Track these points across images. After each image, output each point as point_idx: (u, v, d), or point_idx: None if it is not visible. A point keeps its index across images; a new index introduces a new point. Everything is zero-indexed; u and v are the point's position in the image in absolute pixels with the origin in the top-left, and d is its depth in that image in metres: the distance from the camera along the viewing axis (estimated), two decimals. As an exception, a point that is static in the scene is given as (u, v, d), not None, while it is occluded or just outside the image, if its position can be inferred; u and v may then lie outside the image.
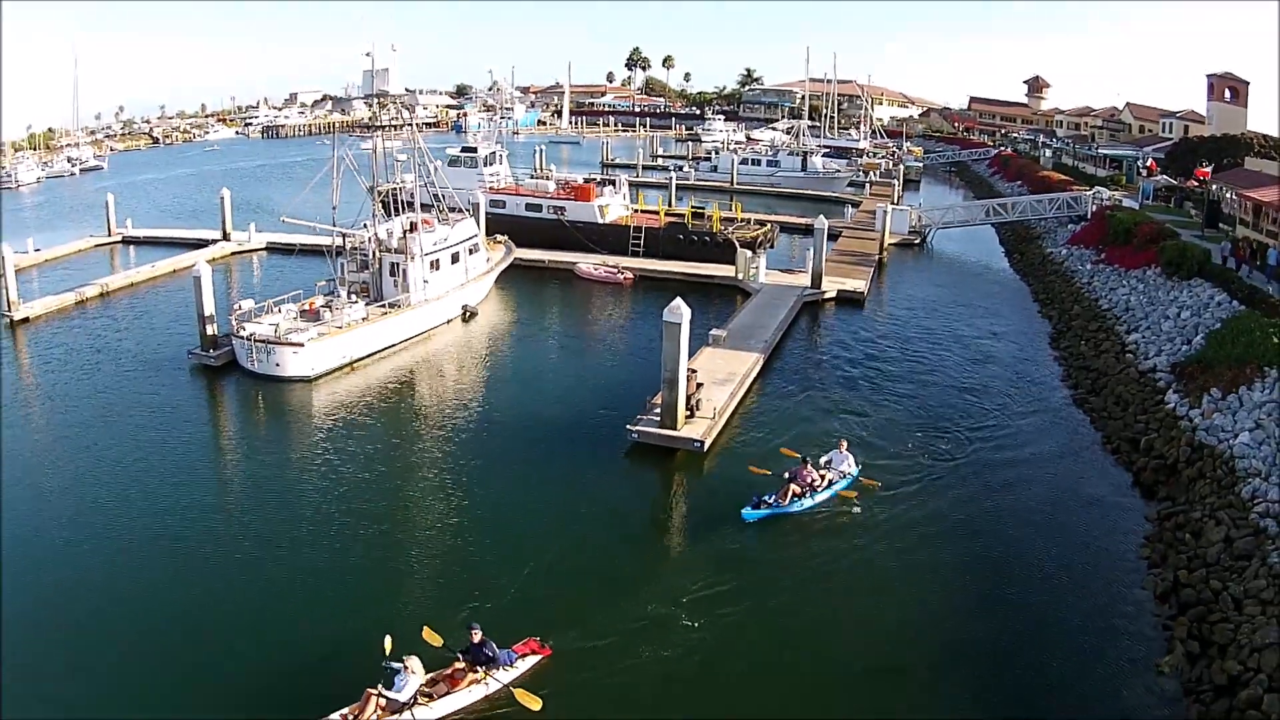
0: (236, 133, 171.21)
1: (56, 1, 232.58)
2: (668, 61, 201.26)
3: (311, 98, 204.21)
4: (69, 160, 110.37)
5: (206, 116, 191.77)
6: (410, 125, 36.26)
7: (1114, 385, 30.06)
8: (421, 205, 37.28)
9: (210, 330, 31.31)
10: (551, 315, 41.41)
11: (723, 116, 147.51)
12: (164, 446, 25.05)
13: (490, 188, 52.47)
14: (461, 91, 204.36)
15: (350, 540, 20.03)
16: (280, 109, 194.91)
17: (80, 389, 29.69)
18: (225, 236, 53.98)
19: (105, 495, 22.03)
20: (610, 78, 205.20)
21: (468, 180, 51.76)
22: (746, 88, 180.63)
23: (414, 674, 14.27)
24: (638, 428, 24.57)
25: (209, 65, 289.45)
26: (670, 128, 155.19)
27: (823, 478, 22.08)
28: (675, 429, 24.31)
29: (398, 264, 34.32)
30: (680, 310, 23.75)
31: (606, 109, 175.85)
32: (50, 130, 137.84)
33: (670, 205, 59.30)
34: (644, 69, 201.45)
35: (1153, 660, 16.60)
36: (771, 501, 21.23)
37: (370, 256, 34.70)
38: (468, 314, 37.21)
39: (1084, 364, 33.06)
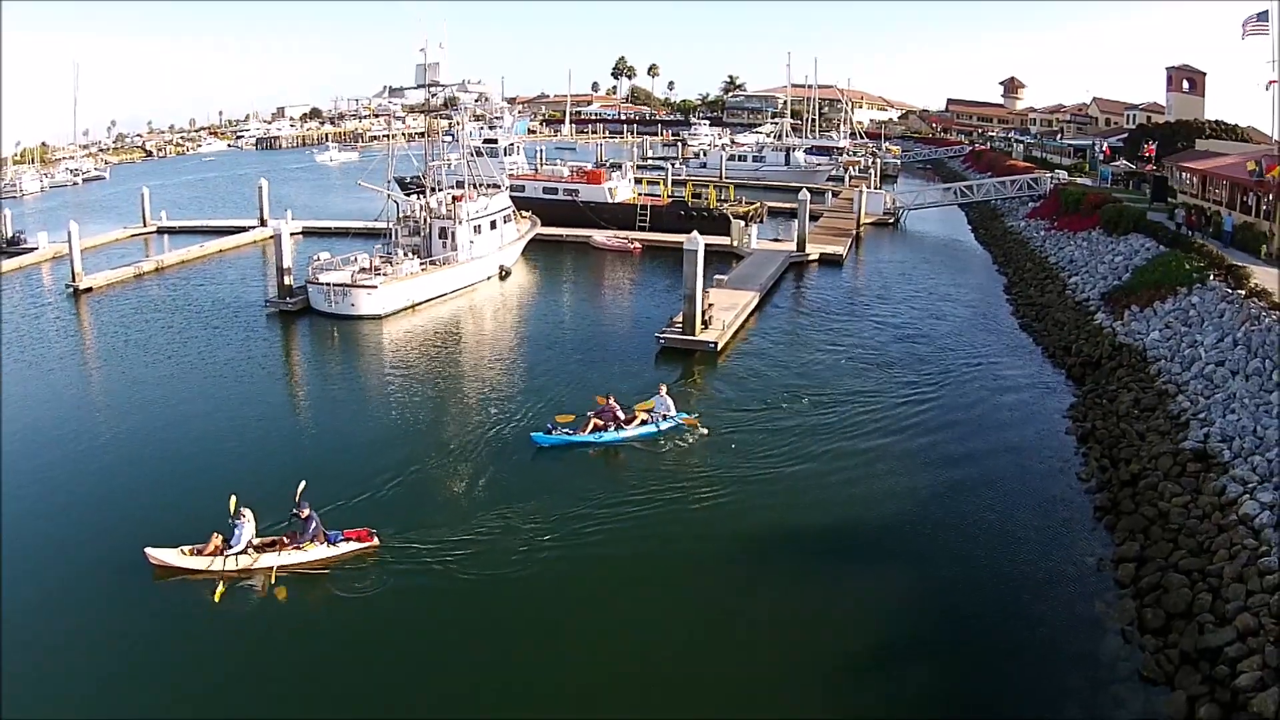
0: (229, 145, 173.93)
1: (35, 2, 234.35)
2: (653, 70, 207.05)
3: (299, 111, 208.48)
4: (70, 171, 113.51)
5: (197, 130, 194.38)
6: (461, 111, 42.09)
7: (1054, 313, 35.95)
8: (458, 183, 43.13)
9: (287, 280, 36.50)
10: (574, 275, 47.51)
11: (708, 122, 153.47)
12: (258, 366, 30.31)
13: (510, 174, 58.16)
14: (449, 104, 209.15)
15: (384, 431, 24.08)
16: (269, 122, 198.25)
17: (169, 329, 34.64)
18: (262, 222, 58.82)
19: (210, 399, 26.96)
20: (595, 87, 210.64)
21: (489, 168, 57.40)
22: (730, 94, 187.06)
23: (248, 527, 17.07)
24: (664, 334, 30.42)
25: (193, 79, 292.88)
26: (657, 134, 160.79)
27: (633, 416, 23.38)
28: (694, 334, 30.26)
29: (446, 228, 40.02)
30: (697, 240, 29.74)
31: (595, 117, 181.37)
32: (44, 145, 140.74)
33: (669, 189, 65.18)
34: (629, 77, 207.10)
35: (1074, 472, 22.20)
36: (567, 431, 22.75)
37: (421, 223, 40.21)
38: (504, 273, 43.18)
39: (1030, 301, 39.02)
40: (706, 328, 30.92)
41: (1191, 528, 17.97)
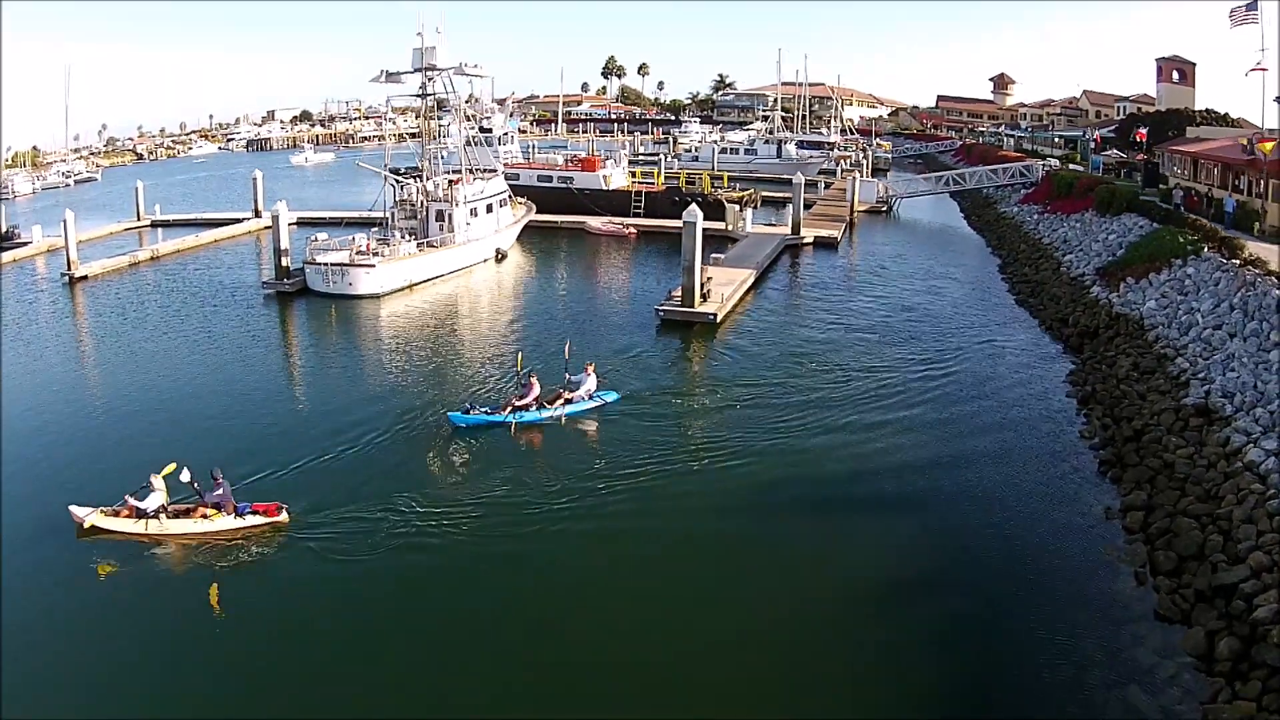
0: (219, 148, 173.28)
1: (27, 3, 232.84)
2: (643, 69, 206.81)
3: (290, 114, 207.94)
4: (62, 174, 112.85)
5: (188, 133, 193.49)
6: (458, 96, 42.46)
7: (1050, 289, 36.18)
8: (454, 170, 43.15)
9: (285, 262, 36.41)
10: (570, 259, 47.61)
11: (698, 120, 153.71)
12: (255, 342, 30.43)
13: (505, 163, 58.17)
14: (440, 104, 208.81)
15: (357, 405, 23.65)
16: (260, 125, 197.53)
17: (165, 309, 34.67)
18: (256, 213, 58.56)
19: (201, 374, 26.93)
20: (585, 87, 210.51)
21: (484, 157, 57.42)
22: (720, 93, 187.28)
23: (157, 493, 17.04)
24: (664, 307, 30.47)
25: (184, 83, 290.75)
26: (648, 133, 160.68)
27: (558, 397, 22.70)
28: (693, 306, 30.33)
29: (443, 211, 40.09)
30: (695, 212, 29.81)
31: (585, 117, 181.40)
32: (35, 149, 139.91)
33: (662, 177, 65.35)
34: (619, 77, 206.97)
35: (1077, 431, 22.34)
36: (485, 410, 22.10)
37: (418, 206, 40.20)
38: (500, 255, 43.31)
39: (1026, 279, 39.27)
40: (705, 300, 31.02)
41: (1198, 476, 18.09)
